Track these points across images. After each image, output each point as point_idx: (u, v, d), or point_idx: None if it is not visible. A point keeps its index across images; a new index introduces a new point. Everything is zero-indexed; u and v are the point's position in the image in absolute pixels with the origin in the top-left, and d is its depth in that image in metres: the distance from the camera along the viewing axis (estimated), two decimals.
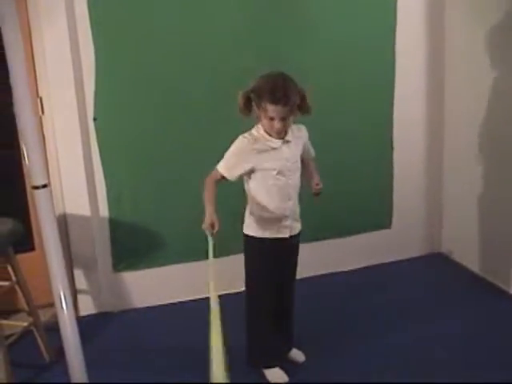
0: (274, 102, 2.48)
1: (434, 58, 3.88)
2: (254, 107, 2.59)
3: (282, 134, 2.60)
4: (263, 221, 2.69)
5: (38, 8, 3.14)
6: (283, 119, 2.53)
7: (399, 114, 3.87)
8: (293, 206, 2.70)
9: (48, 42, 3.19)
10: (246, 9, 3.42)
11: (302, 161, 2.76)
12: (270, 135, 2.60)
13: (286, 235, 2.72)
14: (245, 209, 2.77)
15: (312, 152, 2.84)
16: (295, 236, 2.78)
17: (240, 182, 2.71)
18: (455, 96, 3.86)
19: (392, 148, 3.90)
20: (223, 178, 2.63)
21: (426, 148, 4.03)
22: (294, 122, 2.65)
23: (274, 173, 2.61)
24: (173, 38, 3.34)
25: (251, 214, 2.73)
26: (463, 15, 3.70)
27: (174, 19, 3.33)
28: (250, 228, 2.75)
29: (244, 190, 2.74)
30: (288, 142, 2.63)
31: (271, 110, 2.50)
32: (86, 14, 3.19)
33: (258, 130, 2.62)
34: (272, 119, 2.53)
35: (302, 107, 2.59)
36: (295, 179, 2.69)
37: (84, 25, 3.20)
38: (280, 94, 2.47)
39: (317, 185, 2.73)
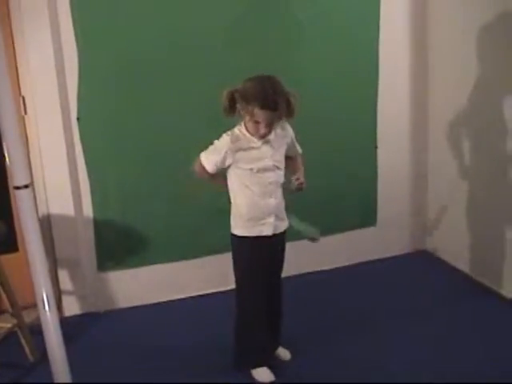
0: (264, 107, 2.48)
1: (418, 57, 3.90)
2: (239, 108, 2.57)
3: (265, 137, 2.60)
4: (245, 219, 2.69)
5: (21, 7, 3.12)
6: (269, 124, 2.53)
7: (383, 112, 3.88)
8: (275, 204, 2.69)
9: (30, 40, 3.17)
10: (234, 10, 3.43)
11: (288, 157, 2.76)
12: (252, 135, 2.60)
13: (269, 233, 2.70)
14: None
15: (298, 149, 2.83)
16: (280, 234, 2.76)
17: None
18: (439, 94, 3.88)
19: (376, 146, 3.92)
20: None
21: (411, 146, 4.04)
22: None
23: (254, 171, 2.61)
24: (158, 36, 3.33)
25: (234, 212, 2.73)
26: (446, 12, 3.72)
27: (159, 18, 3.32)
28: (234, 227, 2.75)
29: None
30: (268, 141, 2.62)
31: (259, 114, 2.50)
32: (68, 12, 3.17)
33: (240, 129, 2.63)
34: (257, 123, 2.53)
35: (287, 110, 2.58)
36: (276, 177, 2.68)
37: (67, 24, 3.18)
38: (270, 100, 2.47)
39: (297, 179, 2.69)
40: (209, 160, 2.65)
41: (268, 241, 2.72)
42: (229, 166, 2.65)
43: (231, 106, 2.57)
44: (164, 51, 3.36)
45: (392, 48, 3.82)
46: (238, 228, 2.73)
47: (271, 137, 2.63)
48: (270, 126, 2.55)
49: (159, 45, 3.34)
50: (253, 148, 2.61)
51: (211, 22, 3.40)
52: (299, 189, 2.72)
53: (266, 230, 2.70)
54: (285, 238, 2.84)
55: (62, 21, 3.18)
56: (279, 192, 2.71)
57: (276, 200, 2.70)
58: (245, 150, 2.60)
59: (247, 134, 2.61)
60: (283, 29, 3.55)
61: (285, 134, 2.72)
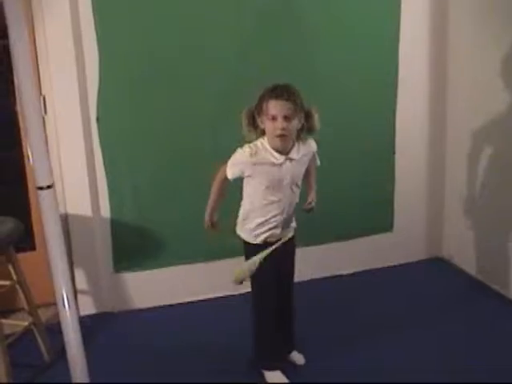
0: (276, 96, 2.46)
1: (437, 62, 3.87)
2: (259, 122, 2.56)
3: (286, 144, 2.54)
4: (252, 227, 2.70)
5: (42, 7, 3.13)
6: (286, 118, 2.47)
7: (401, 119, 3.87)
8: (284, 218, 2.67)
9: (51, 41, 3.18)
10: (252, 19, 3.44)
11: (306, 169, 2.73)
12: (275, 149, 2.55)
13: (273, 240, 2.70)
14: None
15: (317, 162, 2.79)
16: (286, 241, 2.73)
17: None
18: (458, 100, 3.86)
19: (394, 152, 3.90)
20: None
21: (428, 152, 4.02)
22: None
23: (268, 188, 2.59)
24: (179, 37, 3.33)
25: (244, 217, 2.73)
26: (467, 17, 3.69)
27: (180, 19, 3.32)
28: (242, 232, 2.75)
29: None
30: (292, 159, 2.58)
31: (273, 106, 2.46)
32: (90, 12, 3.18)
33: (263, 143, 2.57)
34: (274, 119, 2.48)
35: (307, 125, 2.57)
36: (292, 197, 2.66)
37: (88, 24, 3.19)
38: (282, 90, 2.46)
39: (309, 203, 2.76)
40: (230, 171, 2.62)
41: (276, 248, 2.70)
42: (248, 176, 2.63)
43: (251, 124, 2.57)
44: (185, 53, 3.36)
45: (411, 52, 3.80)
46: (246, 233, 2.73)
47: (294, 155, 2.58)
48: (287, 122, 2.47)
49: (180, 47, 3.34)
50: (273, 164, 2.55)
51: (230, 27, 3.40)
52: (308, 210, 2.78)
53: (271, 240, 2.69)
54: (293, 244, 2.83)
55: (82, 20, 3.19)
56: (291, 209, 2.70)
57: (287, 216, 2.69)
58: (263, 164, 2.55)
59: (269, 148, 2.55)
60: (299, 34, 3.54)
61: (309, 150, 2.67)
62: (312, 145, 2.70)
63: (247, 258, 2.73)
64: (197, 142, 3.47)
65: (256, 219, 2.67)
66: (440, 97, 3.94)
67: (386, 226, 4.02)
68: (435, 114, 3.96)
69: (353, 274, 3.93)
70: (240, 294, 3.54)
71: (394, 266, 4.02)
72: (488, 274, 3.72)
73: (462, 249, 3.99)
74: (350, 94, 3.69)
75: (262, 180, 2.59)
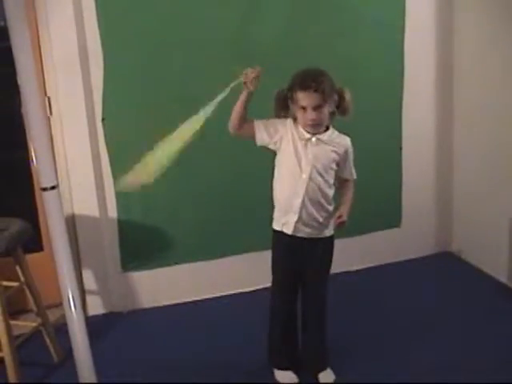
0: (304, 87, 2.43)
1: (443, 57, 3.86)
2: (291, 106, 2.54)
3: (316, 129, 2.52)
4: (276, 211, 2.67)
5: (46, 7, 3.13)
6: (316, 109, 2.45)
7: (408, 114, 3.85)
8: (303, 206, 2.57)
9: (56, 42, 3.18)
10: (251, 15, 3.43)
11: (340, 181, 2.69)
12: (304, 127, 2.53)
13: (288, 231, 2.62)
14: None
15: (351, 173, 2.69)
16: (305, 239, 2.63)
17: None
18: (464, 94, 3.84)
19: (401, 147, 3.88)
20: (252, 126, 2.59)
21: (436, 147, 4.01)
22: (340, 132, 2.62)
23: (291, 159, 2.54)
24: (184, 38, 3.33)
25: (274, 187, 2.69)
26: (473, 14, 3.67)
27: (185, 19, 3.32)
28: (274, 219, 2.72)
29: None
30: (320, 140, 2.54)
31: (302, 97, 2.45)
32: (93, 13, 3.18)
33: (293, 121, 2.58)
34: (304, 109, 2.46)
35: (340, 106, 2.55)
36: (314, 189, 2.56)
37: (92, 25, 3.20)
38: (310, 80, 2.43)
39: (338, 217, 2.57)
40: (264, 122, 2.59)
41: (290, 240, 2.64)
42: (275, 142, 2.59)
43: (283, 107, 2.56)
44: (190, 53, 3.35)
45: (417, 48, 3.78)
46: (274, 220, 2.70)
47: (324, 137, 2.55)
48: (317, 112, 2.45)
49: (185, 47, 3.34)
50: (301, 139, 2.53)
51: (241, 24, 3.41)
52: (339, 226, 2.61)
53: (287, 228, 2.63)
54: (323, 250, 2.71)
55: (87, 20, 3.19)
56: (315, 207, 2.59)
57: (304, 207, 2.57)
58: (295, 136, 2.53)
59: (299, 127, 2.55)
60: (302, 28, 3.52)
61: (339, 141, 2.60)
62: (345, 141, 2.63)
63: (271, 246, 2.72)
64: (203, 140, 3.45)
65: (276, 192, 2.65)
66: (446, 91, 3.91)
67: (395, 221, 4.00)
68: (442, 108, 3.94)
69: (361, 270, 3.92)
70: (249, 292, 3.56)
71: (403, 262, 4.01)
72: (498, 268, 3.69)
73: (470, 243, 3.97)
74: (356, 89, 3.65)
75: (288, 156, 2.56)
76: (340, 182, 2.69)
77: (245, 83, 2.46)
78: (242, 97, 2.51)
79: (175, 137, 2.58)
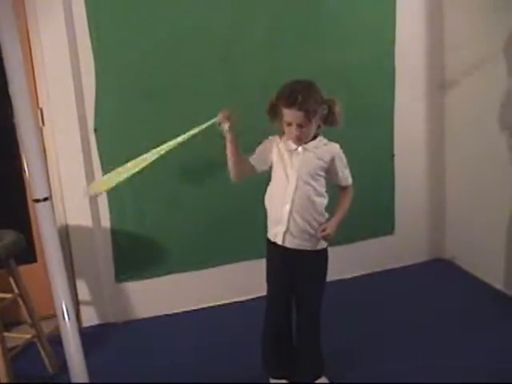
0: (288, 105, 2.43)
1: (434, 63, 3.88)
2: (280, 117, 2.55)
3: (302, 142, 2.53)
4: (268, 221, 2.68)
5: (37, 18, 3.15)
6: (300, 126, 2.46)
7: (399, 120, 3.87)
8: (291, 216, 2.56)
9: (47, 53, 3.19)
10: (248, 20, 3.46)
11: (339, 189, 2.68)
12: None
13: (279, 242, 2.62)
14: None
15: (345, 179, 2.67)
16: (298, 251, 2.61)
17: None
18: (456, 100, 3.86)
19: (393, 155, 3.90)
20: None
21: (428, 153, 4.03)
22: (330, 140, 2.61)
23: (279, 169, 2.57)
24: (176, 47, 3.34)
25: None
26: (462, 14, 3.71)
27: (178, 28, 3.33)
28: None
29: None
30: (306, 150, 2.54)
31: (286, 113, 2.46)
32: (85, 23, 3.19)
33: (280, 135, 2.61)
34: (290, 125, 2.48)
35: (328, 118, 2.54)
36: (302, 198, 2.55)
37: (83, 35, 3.21)
38: (294, 98, 2.42)
39: (322, 230, 2.56)
40: (255, 155, 2.63)
41: (279, 250, 2.63)
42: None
43: (272, 115, 2.56)
44: (182, 63, 3.36)
45: (409, 53, 3.81)
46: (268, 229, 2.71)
47: (309, 147, 2.55)
48: (302, 129, 2.46)
49: (177, 57, 3.35)
50: (288, 151, 2.56)
51: (235, 29, 3.44)
52: (323, 238, 2.60)
53: (277, 238, 2.63)
54: (311, 263, 2.67)
55: (78, 31, 3.20)
56: (301, 209, 2.56)
57: (296, 216, 2.56)
58: (283, 150, 2.57)
59: (286, 139, 2.57)
60: (297, 33, 3.55)
61: (327, 149, 2.58)
62: (333, 149, 2.61)
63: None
64: (200, 151, 3.46)
65: (266, 202, 2.67)
66: (438, 98, 3.94)
67: (388, 228, 4.01)
68: (434, 115, 3.96)
69: (354, 278, 3.93)
70: (244, 301, 3.56)
71: (397, 269, 4.02)
72: (492, 274, 3.70)
73: (464, 249, 3.98)
74: (348, 97, 3.66)
75: (276, 164, 2.59)
76: (339, 190, 2.70)
77: (219, 124, 2.52)
78: (228, 145, 2.56)
79: (140, 161, 2.68)
